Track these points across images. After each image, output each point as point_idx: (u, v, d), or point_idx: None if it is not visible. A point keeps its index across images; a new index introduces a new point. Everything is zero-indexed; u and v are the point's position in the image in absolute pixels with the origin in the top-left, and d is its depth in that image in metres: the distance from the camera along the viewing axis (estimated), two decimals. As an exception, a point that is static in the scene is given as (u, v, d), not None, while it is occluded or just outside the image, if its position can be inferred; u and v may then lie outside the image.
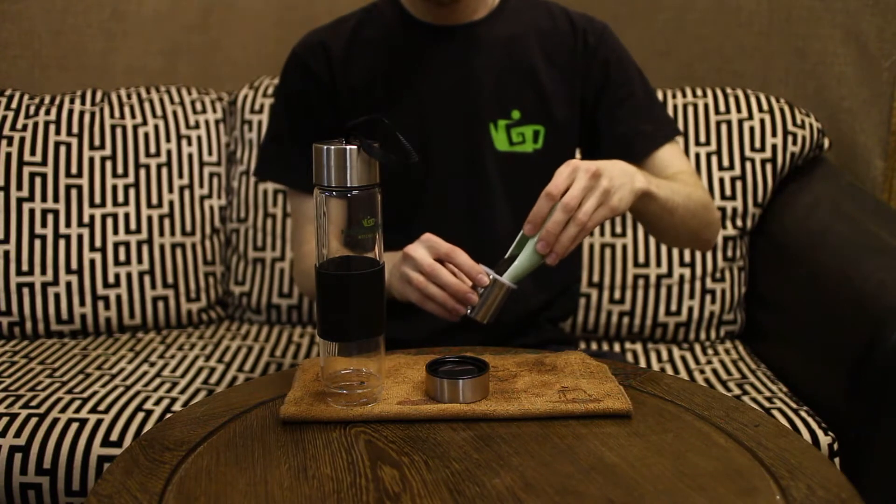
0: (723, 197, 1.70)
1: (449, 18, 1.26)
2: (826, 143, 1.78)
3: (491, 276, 0.99)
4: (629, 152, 1.23)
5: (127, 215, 1.71)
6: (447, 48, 1.26)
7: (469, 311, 1.00)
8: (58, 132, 1.73)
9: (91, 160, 1.72)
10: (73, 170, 1.71)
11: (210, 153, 1.80)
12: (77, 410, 1.31)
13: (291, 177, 1.32)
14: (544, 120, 1.26)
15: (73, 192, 1.70)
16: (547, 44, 1.28)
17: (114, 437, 1.27)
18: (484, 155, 1.25)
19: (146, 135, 1.76)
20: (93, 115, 1.77)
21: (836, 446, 1.28)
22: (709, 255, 1.68)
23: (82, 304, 1.67)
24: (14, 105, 1.75)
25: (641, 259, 1.69)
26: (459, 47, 1.26)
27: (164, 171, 1.75)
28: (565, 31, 1.28)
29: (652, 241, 1.70)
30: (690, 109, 1.76)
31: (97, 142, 1.74)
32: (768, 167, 1.71)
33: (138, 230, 1.71)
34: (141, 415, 1.31)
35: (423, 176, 1.26)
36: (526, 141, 1.26)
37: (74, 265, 1.67)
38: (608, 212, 0.99)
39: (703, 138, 1.74)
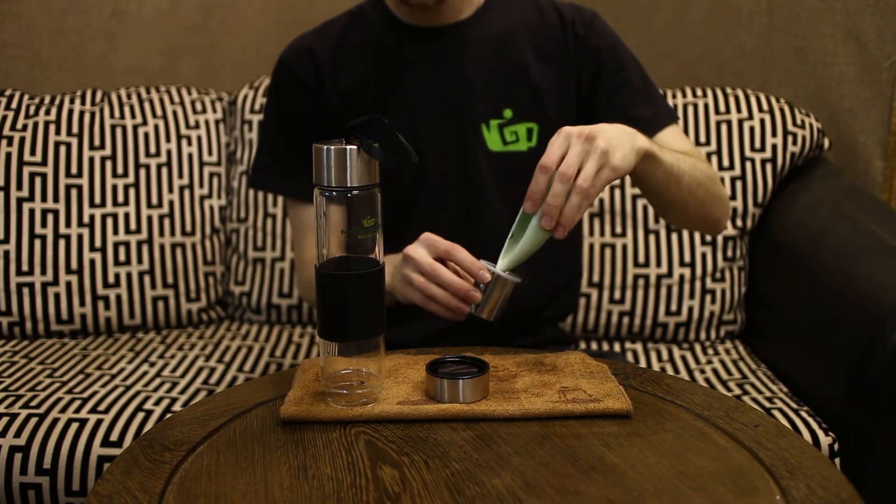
0: (723, 197, 1.70)
1: (434, 20, 1.24)
2: (826, 143, 1.78)
3: (493, 272, 0.97)
4: None
5: (127, 215, 1.71)
6: (435, 50, 1.25)
7: (473, 308, 0.99)
8: (58, 132, 1.73)
9: (91, 160, 1.72)
10: (73, 170, 1.71)
11: (210, 153, 1.80)
12: (77, 410, 1.31)
13: (287, 186, 1.30)
14: (537, 117, 1.25)
15: (73, 192, 1.70)
16: (536, 39, 1.26)
17: (114, 437, 1.27)
18: (477, 156, 1.24)
19: (146, 135, 1.76)
20: (93, 115, 1.77)
21: (836, 447, 1.28)
22: (709, 255, 1.68)
23: (82, 304, 1.67)
24: (14, 105, 1.75)
25: (641, 259, 1.69)
26: (447, 48, 1.25)
27: (164, 171, 1.75)
28: (554, 23, 1.27)
29: (652, 240, 1.70)
30: (690, 109, 1.76)
31: (97, 142, 1.74)
32: (768, 167, 1.71)
33: (138, 230, 1.71)
34: (141, 415, 1.31)
35: (417, 179, 1.24)
36: (520, 139, 1.25)
37: (74, 265, 1.67)
38: (610, 172, 0.95)
39: (703, 138, 1.74)
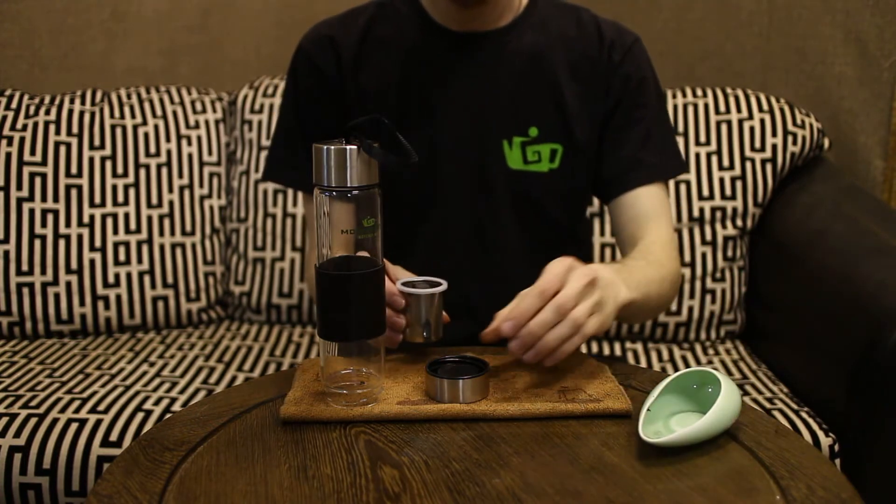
0: (723, 197, 1.70)
1: (471, 24, 1.19)
2: (826, 143, 1.78)
3: (407, 292, 0.94)
4: (622, 176, 1.20)
5: (127, 215, 1.71)
6: (466, 58, 1.19)
7: (406, 334, 0.96)
8: (58, 132, 1.73)
9: (91, 160, 1.72)
10: (73, 170, 1.71)
11: (210, 153, 1.80)
12: (77, 410, 1.31)
13: (301, 179, 1.24)
14: (563, 138, 1.20)
15: (73, 192, 1.70)
16: (572, 56, 1.20)
17: (114, 437, 1.27)
18: (494, 172, 1.19)
19: (146, 135, 1.76)
20: (93, 115, 1.77)
21: (836, 448, 1.28)
22: (709, 255, 1.68)
23: (82, 304, 1.67)
24: (14, 105, 1.75)
25: (641, 259, 1.69)
26: (479, 58, 1.19)
27: (164, 171, 1.75)
28: (592, 42, 1.21)
29: (652, 241, 1.70)
30: (690, 109, 1.76)
31: (97, 142, 1.74)
32: (768, 167, 1.71)
33: (138, 230, 1.71)
34: (141, 415, 1.31)
35: (430, 191, 1.20)
36: (542, 160, 1.19)
37: (74, 265, 1.67)
38: (599, 325, 0.89)
39: (703, 138, 1.74)
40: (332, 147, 0.82)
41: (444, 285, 0.96)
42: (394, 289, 0.95)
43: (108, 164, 1.73)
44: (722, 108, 1.76)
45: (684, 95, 1.78)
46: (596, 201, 1.73)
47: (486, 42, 1.20)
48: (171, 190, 1.75)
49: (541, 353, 0.87)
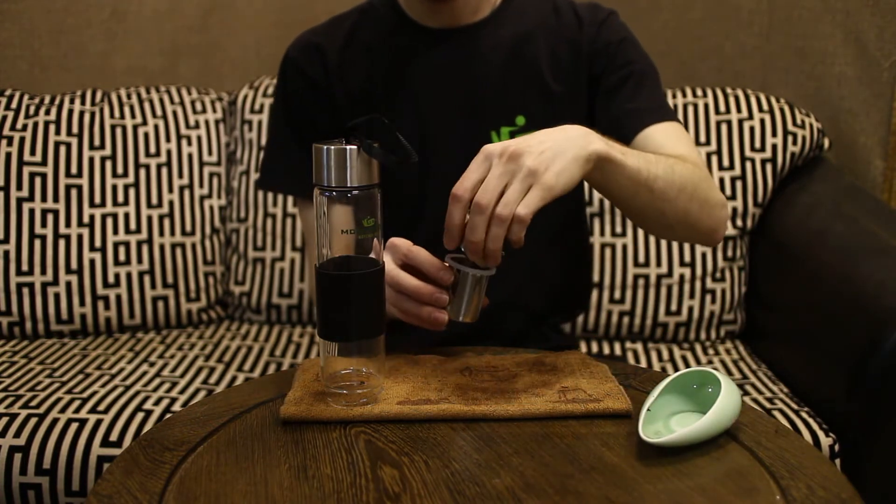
0: (723, 197, 1.70)
1: (447, 20, 1.21)
2: (826, 143, 1.78)
3: (457, 268, 0.91)
4: (620, 130, 1.15)
5: (127, 215, 1.71)
6: (448, 53, 1.21)
7: (449, 312, 0.92)
8: (58, 132, 1.73)
9: (91, 160, 1.72)
10: (73, 170, 1.71)
11: (210, 153, 1.80)
12: (77, 410, 1.31)
13: (296, 186, 1.26)
14: (551, 125, 1.17)
15: (73, 192, 1.70)
16: (553, 42, 1.22)
17: (114, 437, 1.27)
18: None
19: (146, 135, 1.76)
20: (93, 115, 1.77)
21: (836, 448, 1.28)
22: (709, 255, 1.68)
23: (82, 304, 1.67)
24: (14, 105, 1.75)
25: (641, 259, 1.69)
26: (461, 51, 1.21)
27: (164, 171, 1.75)
28: (571, 26, 1.23)
29: (652, 240, 1.70)
30: (690, 109, 1.76)
31: (97, 142, 1.74)
32: (768, 167, 1.71)
33: (138, 230, 1.71)
34: (141, 415, 1.31)
35: (422, 188, 1.21)
36: None
37: (74, 265, 1.67)
38: (543, 192, 0.84)
39: (703, 138, 1.74)
40: (332, 147, 0.82)
41: (493, 269, 0.91)
42: (440, 263, 0.91)
43: (108, 164, 1.73)
44: (722, 108, 1.76)
45: (684, 95, 1.78)
46: (596, 202, 1.73)
47: (464, 36, 1.22)
48: (171, 190, 1.75)
49: (490, 258, 0.85)
